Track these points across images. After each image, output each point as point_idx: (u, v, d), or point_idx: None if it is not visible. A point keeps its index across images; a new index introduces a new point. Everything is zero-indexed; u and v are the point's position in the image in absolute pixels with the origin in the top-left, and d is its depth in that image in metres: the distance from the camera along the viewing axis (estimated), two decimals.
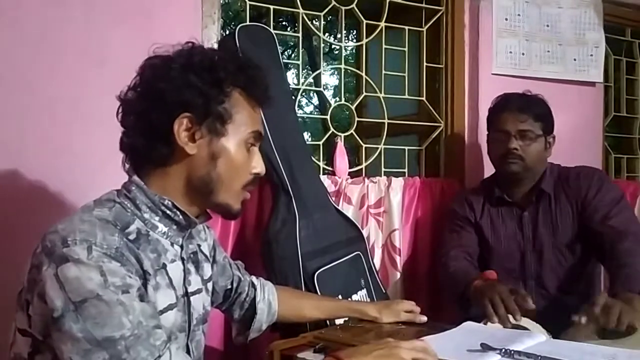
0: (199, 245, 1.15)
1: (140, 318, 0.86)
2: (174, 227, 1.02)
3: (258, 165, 1.06)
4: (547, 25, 2.37)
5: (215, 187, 1.01)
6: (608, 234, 1.67)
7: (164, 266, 0.99)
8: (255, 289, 1.35)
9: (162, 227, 1.01)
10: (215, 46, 1.74)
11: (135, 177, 1.00)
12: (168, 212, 1.00)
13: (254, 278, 1.38)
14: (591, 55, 2.46)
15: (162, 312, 0.96)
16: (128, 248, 0.91)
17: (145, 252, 0.96)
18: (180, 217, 1.02)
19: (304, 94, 2.09)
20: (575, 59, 2.43)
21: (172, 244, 1.03)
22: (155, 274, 0.96)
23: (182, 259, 1.05)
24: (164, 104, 0.97)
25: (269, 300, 1.35)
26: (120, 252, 0.89)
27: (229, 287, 1.31)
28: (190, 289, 1.06)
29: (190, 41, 1.03)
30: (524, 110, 1.80)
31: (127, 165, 1.03)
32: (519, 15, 2.32)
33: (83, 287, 0.84)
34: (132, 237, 0.95)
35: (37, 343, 0.90)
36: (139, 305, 0.87)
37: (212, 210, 1.08)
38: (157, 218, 1.00)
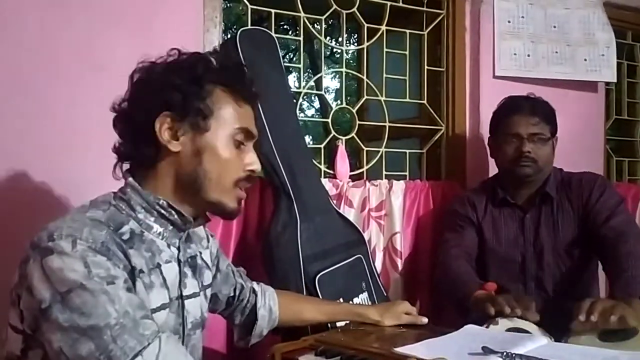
0: (200, 252, 1.15)
1: (127, 308, 0.85)
2: (170, 227, 1.02)
3: (254, 162, 1.05)
4: (555, 27, 2.36)
5: (204, 183, 1.01)
6: (609, 236, 1.68)
7: (159, 266, 0.99)
8: (256, 295, 1.36)
9: (157, 228, 1.01)
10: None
11: (131, 179, 1.01)
12: (163, 211, 1.00)
13: (254, 284, 1.39)
14: (603, 55, 2.45)
15: (154, 310, 0.96)
16: (115, 243, 0.91)
17: (139, 251, 0.96)
18: (176, 216, 1.01)
19: (305, 97, 2.09)
20: (585, 59, 2.42)
21: (168, 246, 1.03)
22: (150, 272, 0.96)
23: (179, 261, 1.05)
24: (145, 105, 1.00)
25: (270, 306, 1.36)
26: (106, 247, 0.89)
27: (232, 294, 1.33)
28: (185, 292, 1.05)
29: (176, 48, 1.04)
30: (535, 113, 1.80)
31: (122, 171, 1.04)
32: (522, 17, 2.31)
33: (67, 278, 0.84)
34: (125, 237, 0.95)
35: (28, 339, 0.90)
36: (125, 295, 0.87)
37: (208, 211, 1.07)
38: (152, 218, 1.00)
